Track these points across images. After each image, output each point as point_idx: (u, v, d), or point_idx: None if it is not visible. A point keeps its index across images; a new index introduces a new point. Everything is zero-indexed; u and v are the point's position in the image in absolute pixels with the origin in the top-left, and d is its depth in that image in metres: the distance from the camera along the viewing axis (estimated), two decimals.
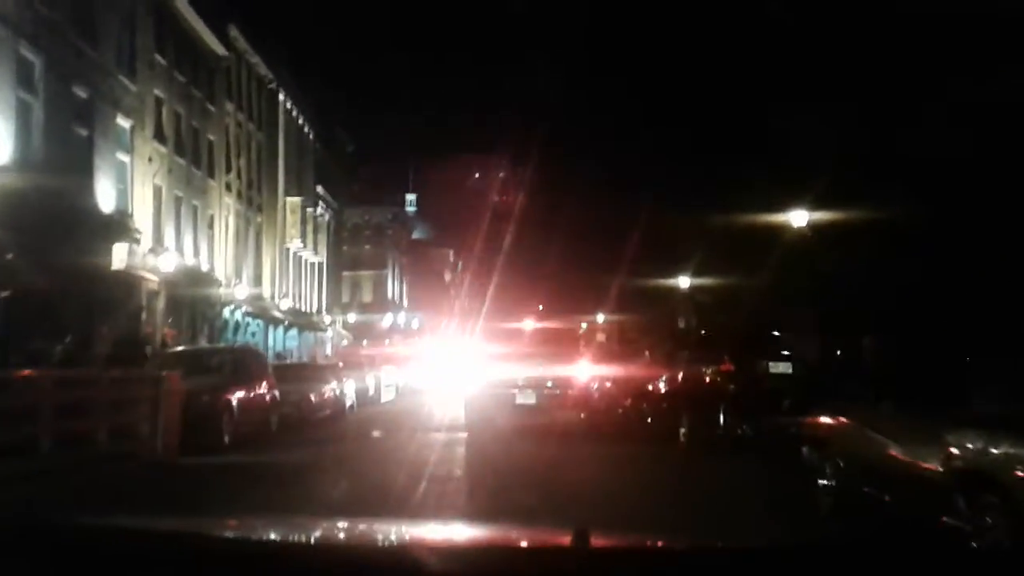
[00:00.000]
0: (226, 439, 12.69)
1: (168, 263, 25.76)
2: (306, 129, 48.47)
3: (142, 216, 25.38)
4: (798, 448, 7.92)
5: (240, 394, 13.59)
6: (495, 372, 14.98)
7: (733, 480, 9.86)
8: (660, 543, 1.78)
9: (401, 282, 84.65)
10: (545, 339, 15.72)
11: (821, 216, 24.81)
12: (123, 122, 24.53)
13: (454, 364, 16.09)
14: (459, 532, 2.31)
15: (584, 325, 37.77)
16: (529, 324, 16.42)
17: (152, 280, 25.29)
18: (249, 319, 36.27)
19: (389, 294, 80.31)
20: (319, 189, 51.23)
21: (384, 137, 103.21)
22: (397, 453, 12.90)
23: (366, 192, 75.82)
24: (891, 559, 1.62)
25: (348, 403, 23.26)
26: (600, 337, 38.21)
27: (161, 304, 26.96)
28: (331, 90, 78.31)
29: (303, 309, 46.63)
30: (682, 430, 13.43)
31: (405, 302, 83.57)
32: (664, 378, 15.68)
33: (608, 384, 19.46)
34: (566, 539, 1.55)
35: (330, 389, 19.99)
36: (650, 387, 16.49)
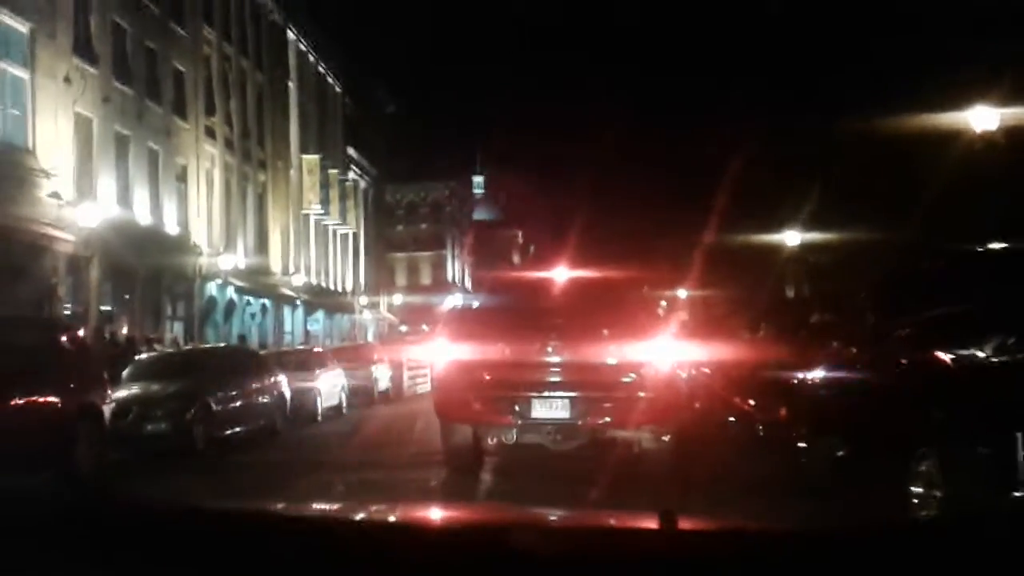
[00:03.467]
0: None
1: (91, 217, 18.92)
2: (330, 79, 41.58)
3: (55, 155, 18.61)
4: None
5: None
6: (497, 360, 7.48)
7: None
8: (750, 525, 1.70)
9: (463, 263, 78.11)
10: (591, 299, 8.07)
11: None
12: (16, 24, 17.76)
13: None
14: (546, 515, 1.97)
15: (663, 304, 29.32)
16: (562, 274, 8.77)
17: (67, 240, 18.48)
18: (249, 297, 29.47)
19: (449, 275, 73.83)
20: (350, 151, 44.38)
21: (447, 111, 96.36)
22: None
23: (423, 168, 68.76)
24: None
25: (323, 405, 16.16)
26: (681, 316, 30.07)
27: (94, 275, 20.21)
28: (372, 44, 71.70)
29: (330, 287, 39.82)
30: (916, 491, 5.64)
31: (468, 284, 76.60)
32: (825, 367, 7.95)
33: (708, 376, 11.90)
34: (653, 521, 1.50)
35: (253, 392, 12.60)
36: (793, 381, 8.80)
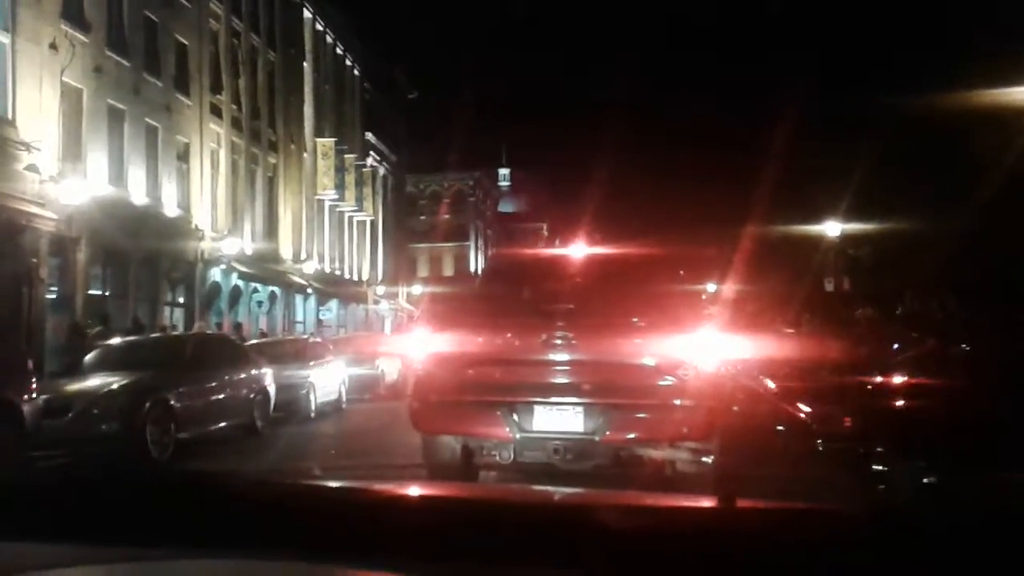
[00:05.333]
0: None
1: (76, 194, 17.57)
2: (348, 62, 40.10)
3: (39, 126, 17.24)
4: None
5: None
6: (490, 354, 5.88)
7: None
8: (810, 505, 1.60)
9: (486, 254, 76.77)
10: (615, 281, 6.42)
11: None
12: None
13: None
14: (609, 497, 2.04)
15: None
16: (580, 250, 7.14)
17: (49, 218, 17.09)
18: (256, 284, 28.02)
19: (472, 267, 72.49)
20: (368, 137, 42.89)
21: (471, 102, 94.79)
22: None
23: (446, 158, 67.26)
24: None
25: (318, 401, 14.71)
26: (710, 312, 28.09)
27: (81, 256, 18.85)
28: (395, 29, 70.21)
29: (344, 275, 38.40)
30: None
31: None
32: (912, 368, 6.28)
33: (749, 375, 10.25)
34: (712, 501, 1.50)
35: (227, 386, 10.93)
36: (862, 384, 7.14)
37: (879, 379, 6.80)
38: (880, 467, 6.53)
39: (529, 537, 1.27)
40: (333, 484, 1.77)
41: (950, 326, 6.85)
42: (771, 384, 10.14)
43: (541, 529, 1.31)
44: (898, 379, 6.53)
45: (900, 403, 6.36)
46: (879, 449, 6.62)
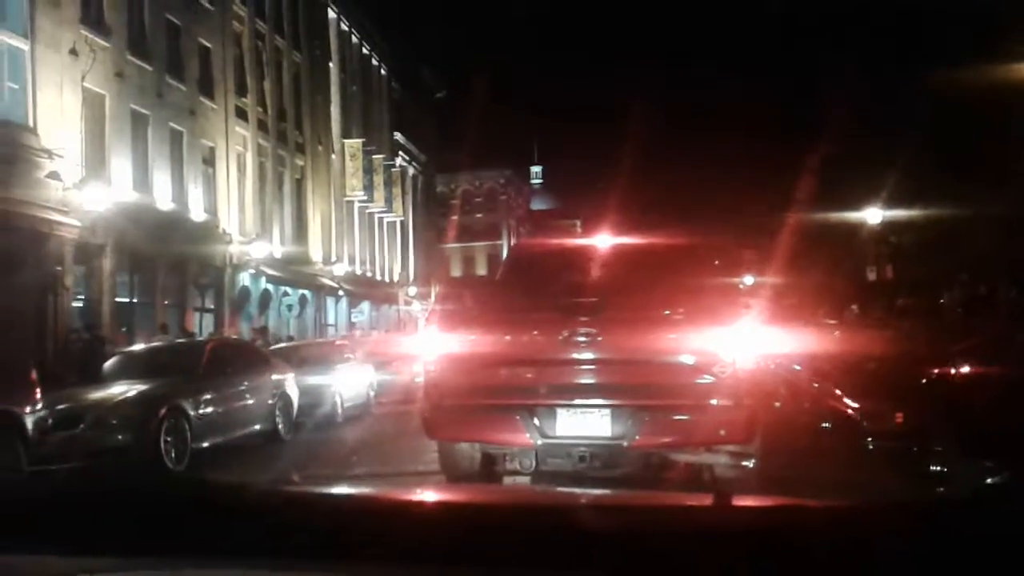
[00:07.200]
0: None
1: (99, 200, 17.38)
2: (375, 61, 39.87)
3: (60, 133, 17.08)
4: None
5: None
6: (508, 354, 5.40)
7: None
8: (803, 502, 1.56)
9: None
10: (645, 272, 5.95)
11: None
12: None
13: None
14: (603, 495, 2.21)
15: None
16: (606, 240, 6.66)
17: (73, 226, 16.92)
18: (286, 288, 27.83)
19: None
20: (397, 137, 42.63)
21: (502, 100, 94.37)
22: None
23: (477, 156, 66.72)
24: None
25: (345, 405, 14.32)
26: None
27: (107, 264, 18.70)
28: (422, 28, 69.93)
29: (376, 277, 38.17)
30: None
31: None
32: (979, 358, 5.72)
33: (790, 369, 9.72)
34: (707, 499, 1.57)
35: (246, 392, 10.56)
36: (918, 377, 6.58)
37: (936, 371, 6.22)
38: (939, 467, 5.97)
39: (539, 539, 1.27)
40: (349, 491, 1.77)
41: (1016, 311, 6.27)
42: (815, 379, 9.58)
43: (551, 531, 1.30)
44: (958, 370, 5.96)
45: (961, 396, 5.79)
46: (937, 448, 6.07)
